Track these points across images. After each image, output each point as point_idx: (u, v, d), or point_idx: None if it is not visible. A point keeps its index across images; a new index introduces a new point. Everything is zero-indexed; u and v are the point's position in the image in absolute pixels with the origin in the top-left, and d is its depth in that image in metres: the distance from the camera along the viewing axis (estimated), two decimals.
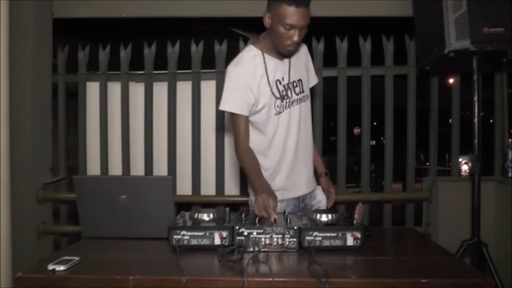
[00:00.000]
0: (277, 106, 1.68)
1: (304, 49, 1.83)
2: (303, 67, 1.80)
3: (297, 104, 1.73)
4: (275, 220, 1.37)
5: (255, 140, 1.73)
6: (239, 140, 1.67)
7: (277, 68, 1.70)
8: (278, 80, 1.69)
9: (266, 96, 1.66)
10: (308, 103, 1.80)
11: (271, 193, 1.50)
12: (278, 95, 1.68)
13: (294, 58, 1.76)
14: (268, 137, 1.71)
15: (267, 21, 1.60)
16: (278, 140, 1.71)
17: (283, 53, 1.67)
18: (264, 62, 1.67)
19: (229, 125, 1.94)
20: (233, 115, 1.67)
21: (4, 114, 2.16)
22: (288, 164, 1.74)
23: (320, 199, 1.88)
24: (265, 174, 1.72)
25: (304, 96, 1.77)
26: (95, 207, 1.53)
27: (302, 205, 1.81)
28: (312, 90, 1.87)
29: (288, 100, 1.70)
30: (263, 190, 1.50)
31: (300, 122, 1.75)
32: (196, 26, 3.86)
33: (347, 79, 3.01)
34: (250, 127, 1.72)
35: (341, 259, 1.27)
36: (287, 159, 1.74)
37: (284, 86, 1.70)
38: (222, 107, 1.65)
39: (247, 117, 1.68)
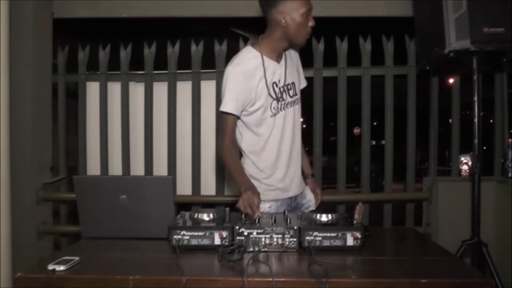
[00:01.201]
0: (273, 108, 1.71)
1: (295, 52, 1.87)
2: (295, 70, 1.84)
3: (291, 106, 1.76)
4: (258, 219, 1.40)
5: (249, 141, 1.75)
6: (224, 139, 1.68)
7: (275, 70, 1.72)
8: (274, 82, 1.71)
9: (263, 98, 1.68)
10: (300, 106, 1.83)
11: (255, 191, 1.54)
12: (274, 97, 1.70)
13: (289, 61, 1.80)
14: (263, 139, 1.73)
15: (284, 21, 1.62)
16: (272, 142, 1.73)
17: (301, 44, 1.73)
18: (263, 65, 1.69)
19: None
20: (223, 113, 1.67)
21: (4, 114, 2.16)
22: (283, 165, 1.76)
23: (310, 198, 1.92)
24: (262, 175, 1.74)
25: (297, 99, 1.81)
26: (95, 207, 1.53)
27: (294, 204, 1.84)
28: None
29: (283, 102, 1.73)
30: (247, 187, 1.55)
31: (294, 124, 1.78)
32: (196, 26, 3.86)
33: (347, 79, 3.01)
34: (244, 128, 1.74)
35: (341, 259, 1.27)
36: (281, 161, 1.76)
37: (280, 88, 1.72)
38: (224, 108, 1.65)
39: (237, 119, 1.70)
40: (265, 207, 1.72)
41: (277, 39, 1.69)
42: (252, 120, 1.71)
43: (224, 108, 1.65)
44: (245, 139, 1.75)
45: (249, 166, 1.77)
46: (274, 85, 1.71)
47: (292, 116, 1.77)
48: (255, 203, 1.46)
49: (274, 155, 1.74)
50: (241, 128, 1.75)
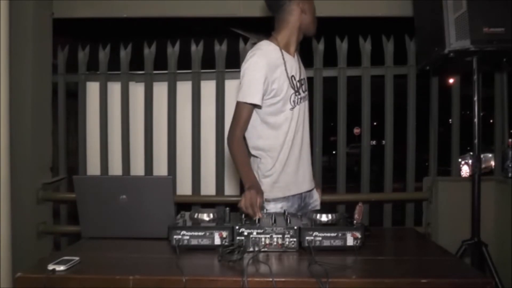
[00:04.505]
0: (293, 101, 1.72)
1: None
2: (303, 68, 1.86)
3: (303, 101, 1.79)
4: (259, 219, 1.40)
5: (268, 136, 1.73)
6: (237, 128, 1.68)
7: (292, 64, 1.74)
8: (293, 75, 1.73)
9: (284, 90, 1.69)
10: (308, 103, 1.85)
11: (258, 190, 1.54)
12: (294, 89, 1.72)
13: (299, 58, 1.83)
14: (282, 133, 1.72)
15: (302, 11, 1.71)
16: (289, 136, 1.73)
17: (313, 34, 1.83)
18: (283, 57, 1.71)
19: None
20: (242, 103, 1.66)
21: (4, 114, 2.16)
22: (295, 160, 1.76)
23: (316, 197, 1.92)
24: (275, 172, 1.73)
25: (307, 95, 1.83)
26: (95, 207, 1.52)
27: (302, 204, 1.83)
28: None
29: (299, 96, 1.75)
30: (251, 185, 1.56)
31: (305, 120, 1.80)
32: (196, 26, 3.86)
33: (347, 79, 3.01)
34: (259, 124, 1.73)
35: (341, 259, 1.27)
36: (294, 155, 1.75)
37: (296, 82, 1.75)
38: (251, 99, 1.64)
39: (253, 110, 1.69)
40: (277, 207, 1.72)
41: (294, 30, 1.73)
42: (270, 110, 1.70)
43: (250, 99, 1.64)
44: (263, 135, 1.73)
45: (264, 165, 1.74)
46: (293, 78, 1.73)
47: (304, 111, 1.79)
48: (257, 203, 1.46)
49: (289, 149, 1.73)
50: (256, 125, 1.73)
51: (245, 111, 1.67)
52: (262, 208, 1.55)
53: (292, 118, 1.72)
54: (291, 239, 1.33)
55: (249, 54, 1.69)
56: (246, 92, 1.64)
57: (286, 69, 1.70)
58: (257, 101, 1.64)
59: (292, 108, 1.72)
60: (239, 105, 1.67)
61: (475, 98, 2.14)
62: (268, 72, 1.64)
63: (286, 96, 1.69)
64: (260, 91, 1.64)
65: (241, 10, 2.99)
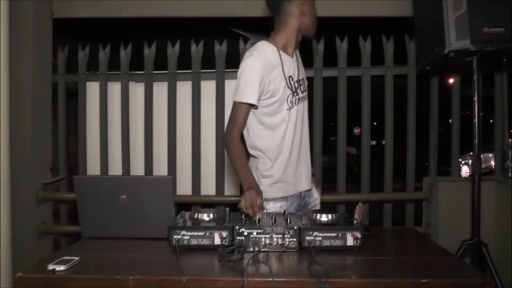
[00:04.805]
0: (290, 101, 1.72)
1: (298, 51, 1.89)
2: (303, 68, 1.86)
3: (302, 102, 1.79)
4: (259, 219, 1.40)
5: (265, 137, 1.73)
6: (234, 129, 1.68)
7: (290, 65, 1.75)
8: (290, 76, 1.73)
9: (281, 90, 1.69)
10: (307, 103, 1.86)
11: (258, 191, 1.55)
12: (292, 90, 1.72)
13: (299, 58, 1.84)
14: (279, 133, 1.72)
15: (301, 12, 1.71)
16: (287, 136, 1.73)
17: (313, 35, 1.83)
18: (281, 58, 1.71)
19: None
20: (238, 103, 1.66)
21: (4, 114, 2.16)
22: (294, 160, 1.76)
23: (316, 196, 1.92)
24: (274, 173, 1.73)
25: (306, 95, 1.83)
26: (95, 207, 1.52)
27: (302, 203, 1.83)
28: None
29: (297, 97, 1.75)
30: (250, 186, 1.55)
31: (303, 120, 1.80)
32: (196, 26, 3.86)
33: (347, 79, 3.01)
34: (256, 125, 1.73)
35: (341, 259, 1.27)
36: (293, 155, 1.75)
37: (294, 83, 1.75)
38: (247, 99, 1.64)
39: (250, 110, 1.70)
40: (276, 206, 1.72)
41: (293, 31, 1.74)
42: (267, 111, 1.70)
43: (246, 99, 1.64)
44: (260, 136, 1.73)
45: (263, 165, 1.74)
46: (290, 78, 1.73)
47: (302, 112, 1.79)
48: (257, 203, 1.46)
49: (288, 150, 1.74)
50: (253, 125, 1.73)
51: (241, 111, 1.67)
52: (261, 208, 1.55)
53: (289, 118, 1.72)
54: (291, 239, 1.33)
55: (246, 54, 1.70)
56: (242, 92, 1.65)
57: (283, 70, 1.70)
58: (253, 101, 1.64)
59: (290, 109, 1.72)
60: (235, 105, 1.68)
61: (475, 98, 2.14)
62: (264, 73, 1.64)
63: (283, 96, 1.70)
64: (256, 91, 1.64)
65: (241, 10, 2.99)
